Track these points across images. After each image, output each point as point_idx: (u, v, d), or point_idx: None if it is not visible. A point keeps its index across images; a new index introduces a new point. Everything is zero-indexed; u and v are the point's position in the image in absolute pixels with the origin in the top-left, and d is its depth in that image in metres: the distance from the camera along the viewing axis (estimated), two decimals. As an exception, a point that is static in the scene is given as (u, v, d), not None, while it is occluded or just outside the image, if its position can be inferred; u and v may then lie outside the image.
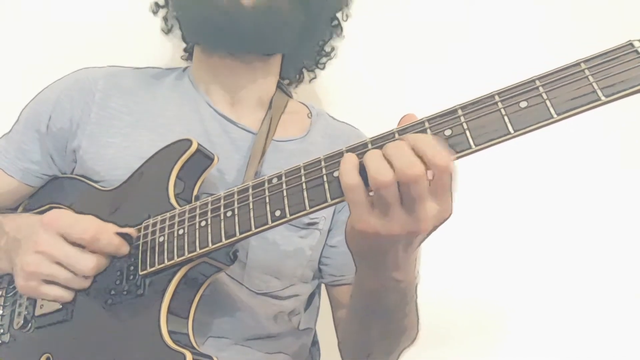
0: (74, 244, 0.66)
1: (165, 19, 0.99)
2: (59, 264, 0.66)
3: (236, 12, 0.78)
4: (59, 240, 0.65)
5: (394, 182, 0.49)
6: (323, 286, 0.96)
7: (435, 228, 0.53)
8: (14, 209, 0.88)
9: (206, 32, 0.84)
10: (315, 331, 0.96)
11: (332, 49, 1.05)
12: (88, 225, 0.66)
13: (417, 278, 0.71)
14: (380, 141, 0.54)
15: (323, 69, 1.07)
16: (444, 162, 0.49)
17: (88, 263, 0.66)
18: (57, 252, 0.65)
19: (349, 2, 1.00)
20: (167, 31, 0.99)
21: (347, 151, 0.55)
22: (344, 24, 1.03)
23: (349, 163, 0.52)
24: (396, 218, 0.51)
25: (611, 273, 1.19)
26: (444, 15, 1.29)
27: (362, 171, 0.52)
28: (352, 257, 0.60)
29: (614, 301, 1.18)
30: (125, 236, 0.68)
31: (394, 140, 0.52)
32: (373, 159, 0.50)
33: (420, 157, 0.49)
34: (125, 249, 0.68)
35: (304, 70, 1.07)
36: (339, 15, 1.01)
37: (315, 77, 1.10)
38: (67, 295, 0.68)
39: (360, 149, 0.54)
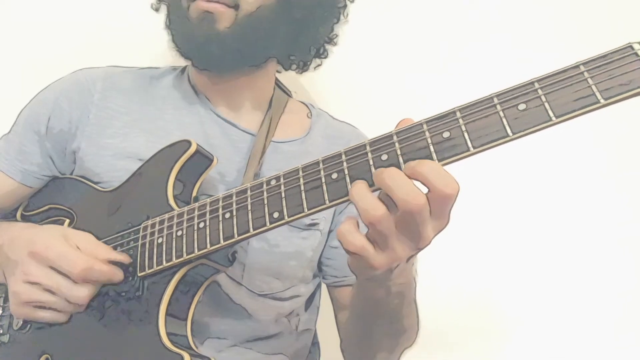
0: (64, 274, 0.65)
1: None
2: (51, 291, 0.66)
3: (214, 38, 0.78)
4: (49, 272, 0.65)
5: (387, 215, 0.49)
6: (323, 286, 0.95)
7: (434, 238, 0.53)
8: (13, 210, 0.88)
9: (191, 56, 0.84)
10: (316, 331, 0.96)
11: (335, 35, 0.98)
12: (77, 259, 0.64)
13: (415, 279, 0.71)
14: (378, 143, 0.54)
15: (326, 57, 1.01)
16: (452, 190, 0.48)
17: (80, 294, 0.66)
18: (49, 282, 0.65)
19: None
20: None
21: (345, 153, 0.55)
22: (344, 23, 0.98)
23: (349, 225, 0.51)
24: (397, 246, 0.51)
25: (612, 278, 1.18)
26: (445, 16, 1.28)
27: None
28: (354, 274, 0.59)
29: (613, 305, 1.17)
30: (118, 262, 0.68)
31: (389, 169, 0.50)
32: (361, 196, 0.50)
33: (426, 186, 0.48)
34: (118, 276, 0.67)
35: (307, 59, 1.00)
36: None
37: (320, 65, 1.03)
38: (62, 318, 0.69)
39: (359, 151, 0.54)
